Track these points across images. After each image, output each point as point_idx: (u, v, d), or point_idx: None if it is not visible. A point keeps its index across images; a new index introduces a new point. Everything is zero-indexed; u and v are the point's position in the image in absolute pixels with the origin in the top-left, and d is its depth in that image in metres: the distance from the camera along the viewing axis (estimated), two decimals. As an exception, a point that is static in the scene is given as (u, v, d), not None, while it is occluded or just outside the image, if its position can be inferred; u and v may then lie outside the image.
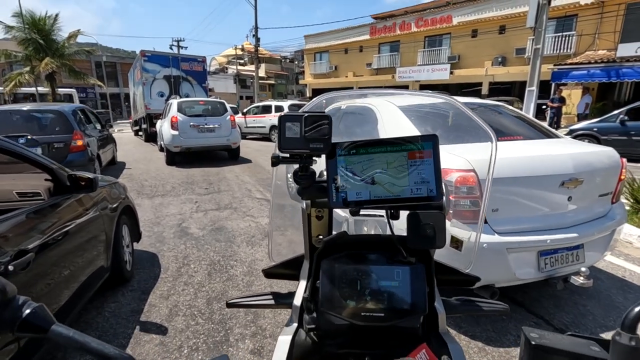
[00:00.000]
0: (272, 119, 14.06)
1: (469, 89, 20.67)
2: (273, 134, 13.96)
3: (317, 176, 0.70)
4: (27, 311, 0.42)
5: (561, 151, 2.33)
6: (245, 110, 16.03)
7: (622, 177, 2.41)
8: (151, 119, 13.19)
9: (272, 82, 49.71)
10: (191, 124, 8.65)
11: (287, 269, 0.89)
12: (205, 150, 9.19)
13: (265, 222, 4.51)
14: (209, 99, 11.05)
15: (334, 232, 0.79)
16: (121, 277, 2.89)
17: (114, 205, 2.84)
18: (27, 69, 20.36)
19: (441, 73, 21.58)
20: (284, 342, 0.70)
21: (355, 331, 0.67)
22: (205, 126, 8.83)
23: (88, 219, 2.39)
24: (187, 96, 13.26)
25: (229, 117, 9.27)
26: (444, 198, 0.65)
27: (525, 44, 17.82)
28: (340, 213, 1.34)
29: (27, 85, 22.45)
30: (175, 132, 8.50)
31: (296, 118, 0.63)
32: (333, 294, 0.65)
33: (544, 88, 12.77)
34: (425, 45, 23.07)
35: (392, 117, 3.04)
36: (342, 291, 0.64)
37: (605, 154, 2.43)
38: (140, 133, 15.44)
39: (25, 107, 6.98)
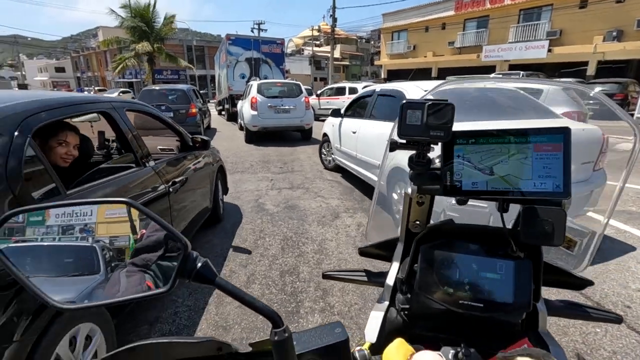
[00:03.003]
0: (345, 101, 13.98)
1: (571, 69, 18.04)
2: (345, 116, 13.92)
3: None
4: (199, 264, 0.49)
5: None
6: (319, 92, 16.23)
7: (604, 150, 2.86)
8: (233, 99, 14.08)
9: (347, 63, 49.22)
10: (269, 104, 9.06)
11: (381, 250, 0.93)
12: (280, 130, 9.59)
13: (334, 204, 4.60)
14: (286, 80, 11.41)
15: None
16: (217, 218, 3.85)
17: (214, 163, 3.74)
18: (132, 53, 23.09)
19: (537, 51, 19.18)
20: (376, 317, 0.74)
21: (449, 317, 0.68)
22: (281, 107, 9.18)
23: (202, 169, 3.32)
24: (266, 78, 13.84)
25: (303, 98, 9.49)
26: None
27: (651, 13, 14.88)
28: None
29: (129, 67, 25.54)
30: (255, 113, 8.99)
31: (418, 105, 0.63)
32: (431, 278, 0.66)
33: (672, 67, 10.59)
34: (519, 20, 20.63)
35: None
36: (441, 277, 0.66)
37: (589, 131, 2.84)
38: (223, 113, 16.63)
39: (162, 87, 10.82)
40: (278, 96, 9.40)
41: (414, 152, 0.68)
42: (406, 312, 0.73)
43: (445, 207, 2.28)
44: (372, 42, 53.13)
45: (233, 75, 14.33)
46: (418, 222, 0.79)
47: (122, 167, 2.16)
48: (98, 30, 50.06)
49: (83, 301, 0.50)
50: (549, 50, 18.78)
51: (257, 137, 9.55)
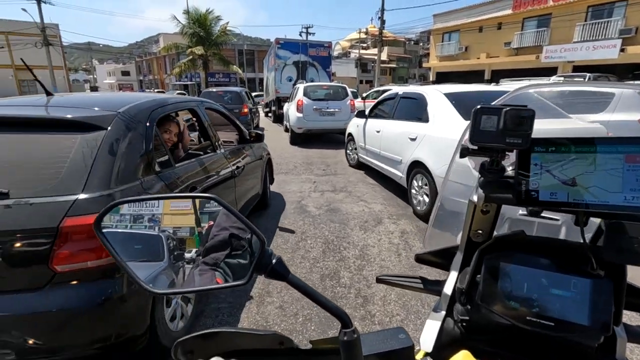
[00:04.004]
0: (391, 104, 13.76)
1: (647, 70, 16.19)
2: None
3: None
4: (274, 260, 0.51)
5: (556, 126, 2.41)
6: (364, 95, 16.10)
7: None
8: (280, 101, 14.42)
9: (394, 65, 48.43)
10: (314, 107, 9.15)
11: (438, 258, 0.92)
12: (324, 132, 9.64)
13: (377, 209, 4.51)
14: (332, 83, 11.46)
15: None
16: (265, 203, 4.42)
17: (264, 155, 4.35)
18: (189, 57, 24.55)
19: (606, 51, 17.47)
20: (433, 326, 0.72)
21: (513, 333, 0.64)
22: (327, 110, 9.23)
23: (256, 159, 3.92)
24: (312, 81, 13.99)
25: (349, 101, 9.47)
26: None
27: None
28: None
29: (187, 71, 27.16)
30: (300, 115, 9.12)
31: (494, 111, 0.59)
32: (495, 291, 0.63)
33: None
34: (587, 17, 18.94)
35: (438, 102, 4.06)
36: (506, 290, 0.62)
37: (592, 129, 2.70)
38: (270, 114, 17.08)
39: (219, 89, 12.50)
40: (324, 99, 9.47)
41: (486, 159, 0.64)
42: (464, 324, 0.70)
43: (509, 217, 2.39)
44: (421, 44, 51.79)
45: (281, 78, 14.67)
46: (480, 232, 0.75)
47: (203, 152, 2.89)
48: (159, 37, 53.79)
49: (171, 288, 0.57)
50: (622, 50, 17.02)
51: (302, 138, 9.68)
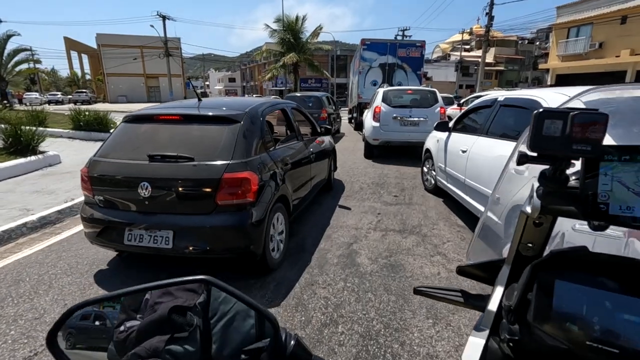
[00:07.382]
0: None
1: None
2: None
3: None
4: (292, 342, 0.51)
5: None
6: (462, 101, 13.91)
7: None
8: (361, 108, 13.25)
9: (501, 68, 43.11)
10: (394, 115, 7.70)
11: (481, 271, 0.85)
12: (405, 145, 8.09)
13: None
14: (419, 87, 9.79)
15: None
16: (330, 187, 5.39)
17: (332, 148, 5.34)
18: (280, 63, 25.10)
19: None
20: (476, 344, 0.69)
21: (568, 359, 0.59)
22: (409, 119, 7.68)
23: (325, 149, 4.88)
24: (400, 84, 12.47)
25: (438, 109, 7.77)
26: None
27: None
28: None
29: (279, 76, 27.90)
30: (376, 124, 7.78)
31: (560, 115, 0.55)
32: (550, 311, 0.59)
33: None
34: None
35: None
36: (562, 311, 0.58)
37: None
38: (352, 121, 16.04)
39: (303, 94, 12.68)
40: (407, 106, 7.94)
41: (546, 166, 0.59)
42: (512, 344, 0.64)
43: (564, 231, 1.47)
44: (537, 43, 44.88)
45: (364, 83, 13.50)
46: (531, 245, 0.70)
47: (290, 141, 3.80)
48: (264, 46, 57.58)
49: None
50: None
51: (378, 151, 8.34)
